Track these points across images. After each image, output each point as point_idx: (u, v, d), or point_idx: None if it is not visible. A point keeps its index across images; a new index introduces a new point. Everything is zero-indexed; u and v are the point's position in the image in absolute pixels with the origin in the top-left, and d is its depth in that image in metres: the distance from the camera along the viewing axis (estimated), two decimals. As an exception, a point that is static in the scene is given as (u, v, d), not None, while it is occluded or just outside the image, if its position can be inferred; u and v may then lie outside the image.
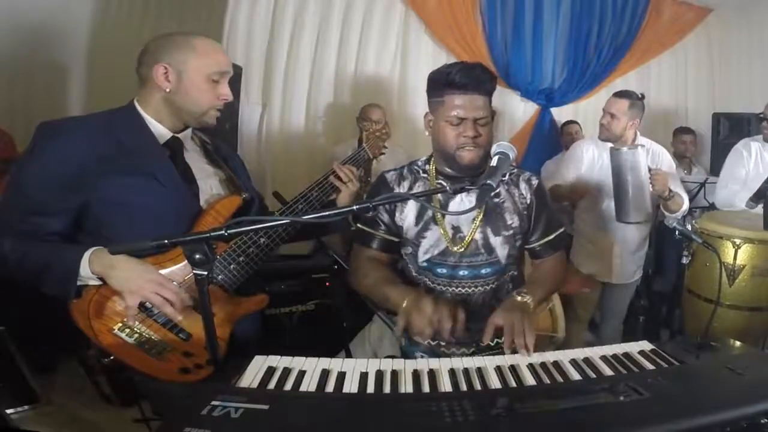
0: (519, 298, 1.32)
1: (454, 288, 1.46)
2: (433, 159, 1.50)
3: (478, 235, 1.43)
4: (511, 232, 1.44)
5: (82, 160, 1.21)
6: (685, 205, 2.40)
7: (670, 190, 2.27)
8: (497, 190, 1.45)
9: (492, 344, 1.47)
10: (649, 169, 2.24)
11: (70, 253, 1.21)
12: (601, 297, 2.73)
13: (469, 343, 1.48)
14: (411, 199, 1.42)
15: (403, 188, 1.49)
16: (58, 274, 1.20)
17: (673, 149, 3.83)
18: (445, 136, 1.38)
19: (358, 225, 1.53)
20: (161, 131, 1.33)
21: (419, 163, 1.53)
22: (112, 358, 1.24)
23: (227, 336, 1.35)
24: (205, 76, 1.30)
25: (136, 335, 1.25)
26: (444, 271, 1.45)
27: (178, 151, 1.36)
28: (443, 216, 1.44)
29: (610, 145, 2.52)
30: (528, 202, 1.47)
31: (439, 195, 1.45)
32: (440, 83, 1.37)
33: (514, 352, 1.21)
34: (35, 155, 1.23)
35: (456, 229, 1.44)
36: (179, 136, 1.36)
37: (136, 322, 1.25)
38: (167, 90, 1.29)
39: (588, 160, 2.55)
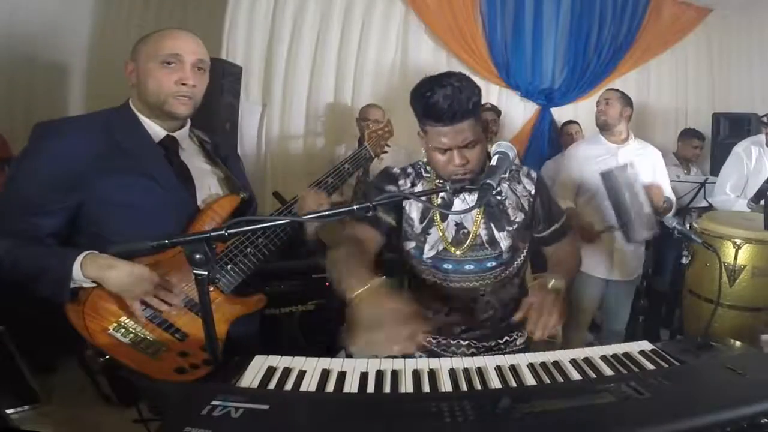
0: (553, 282, 1.29)
1: (460, 283, 1.46)
2: None
3: (482, 231, 1.44)
4: (515, 226, 1.45)
5: (78, 160, 1.21)
6: (674, 207, 2.45)
7: (664, 200, 2.32)
8: (498, 188, 1.45)
9: (492, 344, 1.49)
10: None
11: (63, 257, 1.20)
12: (602, 298, 2.73)
13: (471, 339, 1.50)
14: (412, 199, 1.42)
15: (407, 183, 1.49)
16: (51, 278, 1.20)
17: (678, 151, 3.82)
18: (437, 162, 1.36)
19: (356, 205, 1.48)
20: (156, 130, 1.33)
21: (421, 162, 1.53)
22: (107, 357, 1.24)
23: (224, 336, 1.35)
24: (156, 61, 1.27)
25: (131, 335, 1.25)
26: (449, 266, 1.45)
27: (173, 150, 1.36)
28: (443, 216, 1.44)
29: (602, 139, 2.56)
30: (533, 193, 1.48)
31: (443, 194, 1.45)
32: (420, 111, 1.31)
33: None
34: (31, 156, 1.23)
35: (459, 226, 1.44)
36: (175, 134, 1.36)
37: (131, 322, 1.25)
38: (132, 85, 1.30)
39: (584, 161, 2.57)
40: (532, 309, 1.23)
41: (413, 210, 1.47)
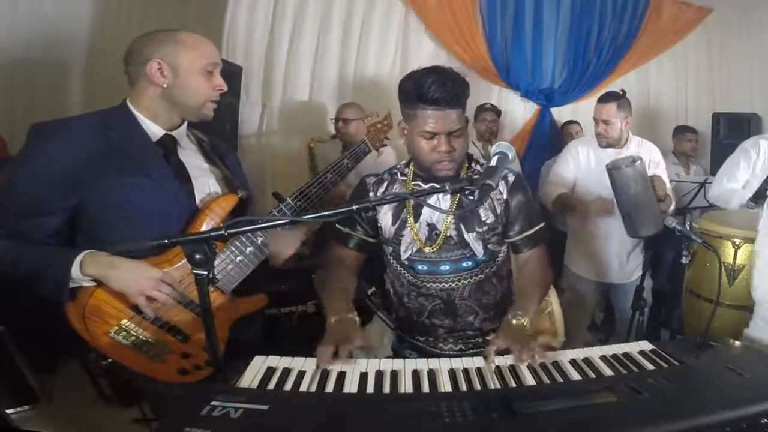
0: (515, 321, 1.31)
1: (436, 284, 1.47)
2: (412, 163, 1.51)
3: (452, 232, 1.45)
4: (485, 228, 1.45)
5: (76, 160, 1.21)
6: (673, 205, 2.42)
7: (665, 194, 2.29)
8: (472, 188, 1.45)
9: (480, 341, 1.51)
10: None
11: (63, 257, 1.21)
12: (601, 300, 2.72)
13: (457, 339, 1.52)
14: (385, 204, 1.43)
15: (380, 191, 1.51)
16: (51, 278, 1.20)
17: (674, 148, 3.84)
18: (420, 149, 1.37)
19: (337, 225, 1.53)
20: (154, 130, 1.33)
21: (399, 166, 1.55)
22: (110, 360, 1.24)
23: (226, 336, 1.35)
24: (199, 69, 1.31)
25: (133, 338, 1.25)
26: (425, 267, 1.47)
27: (171, 149, 1.36)
28: (416, 217, 1.45)
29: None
30: (504, 197, 1.47)
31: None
32: (412, 96, 1.33)
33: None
34: (29, 157, 1.23)
35: (432, 227, 1.45)
36: (173, 133, 1.36)
37: (133, 324, 1.25)
38: (164, 86, 1.29)
39: (584, 160, 2.56)
40: (511, 347, 1.21)
41: (386, 215, 1.48)
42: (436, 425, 0.85)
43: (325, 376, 1.08)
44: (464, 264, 1.46)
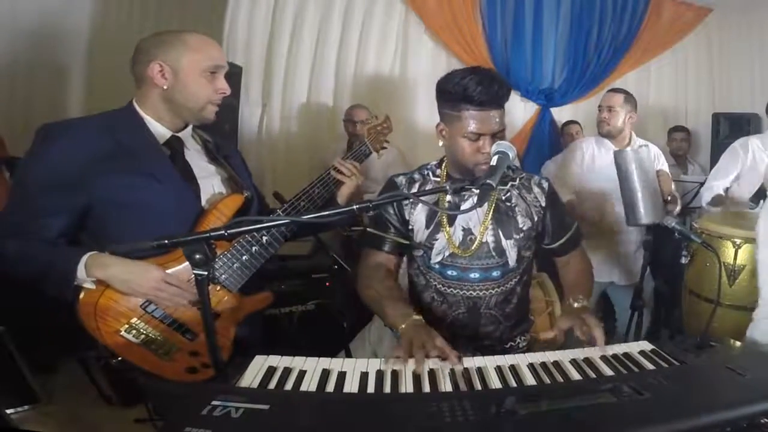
0: (576, 305, 1.35)
1: (464, 291, 1.45)
2: (445, 164, 1.49)
3: (489, 238, 1.43)
4: (522, 234, 1.44)
5: (84, 161, 1.21)
6: (679, 206, 2.41)
7: (671, 192, 2.29)
8: (508, 194, 1.45)
9: (498, 349, 1.49)
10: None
11: (68, 257, 1.21)
12: (603, 300, 2.71)
13: (474, 349, 1.48)
14: (413, 200, 1.41)
15: (412, 190, 1.47)
16: (55, 278, 1.21)
17: (668, 148, 3.85)
18: (463, 151, 1.35)
19: (368, 229, 1.52)
20: (161, 131, 1.33)
21: (430, 167, 1.52)
22: (120, 359, 1.25)
23: (232, 336, 1.36)
24: (200, 71, 1.30)
25: (143, 336, 1.26)
26: (454, 273, 1.44)
27: (178, 150, 1.36)
28: (451, 221, 1.43)
29: (608, 143, 2.53)
30: (543, 204, 1.47)
31: (450, 197, 1.44)
32: (456, 97, 1.31)
33: None
34: (37, 157, 1.24)
35: (467, 231, 1.43)
36: (179, 135, 1.37)
37: (142, 323, 1.26)
38: (164, 87, 1.29)
39: (588, 160, 2.55)
40: (573, 326, 1.26)
41: (419, 216, 1.46)
42: (436, 425, 0.85)
43: (325, 376, 1.08)
44: (493, 273, 1.44)
